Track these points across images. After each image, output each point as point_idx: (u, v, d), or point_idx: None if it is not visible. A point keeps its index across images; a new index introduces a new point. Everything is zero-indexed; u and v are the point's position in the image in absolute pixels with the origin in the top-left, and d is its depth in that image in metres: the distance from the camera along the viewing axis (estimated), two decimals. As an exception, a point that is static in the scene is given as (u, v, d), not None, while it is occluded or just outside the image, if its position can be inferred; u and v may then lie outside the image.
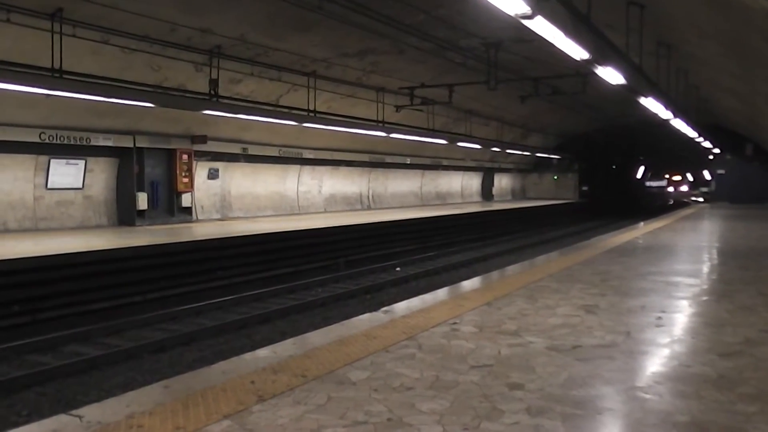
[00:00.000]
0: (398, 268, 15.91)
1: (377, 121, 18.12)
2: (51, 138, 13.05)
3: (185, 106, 13.16)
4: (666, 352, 4.46)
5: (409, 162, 25.45)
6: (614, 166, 45.03)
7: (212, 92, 13.28)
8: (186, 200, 16.37)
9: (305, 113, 15.43)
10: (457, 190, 31.47)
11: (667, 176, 60.19)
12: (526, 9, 5.53)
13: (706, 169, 45.44)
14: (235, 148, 17.41)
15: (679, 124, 18.82)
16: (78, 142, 13.59)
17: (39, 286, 9.86)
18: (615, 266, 8.75)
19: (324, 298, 11.92)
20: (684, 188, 58.45)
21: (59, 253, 10.17)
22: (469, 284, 7.53)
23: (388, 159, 23.94)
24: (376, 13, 11.66)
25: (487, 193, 33.89)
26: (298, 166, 20.36)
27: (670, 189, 60.44)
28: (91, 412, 3.27)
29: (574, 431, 3.04)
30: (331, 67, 15.62)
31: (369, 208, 24.33)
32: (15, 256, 9.53)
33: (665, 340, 4.76)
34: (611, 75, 9.51)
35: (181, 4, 11.12)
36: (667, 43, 13.66)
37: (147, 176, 15.33)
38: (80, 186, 14.47)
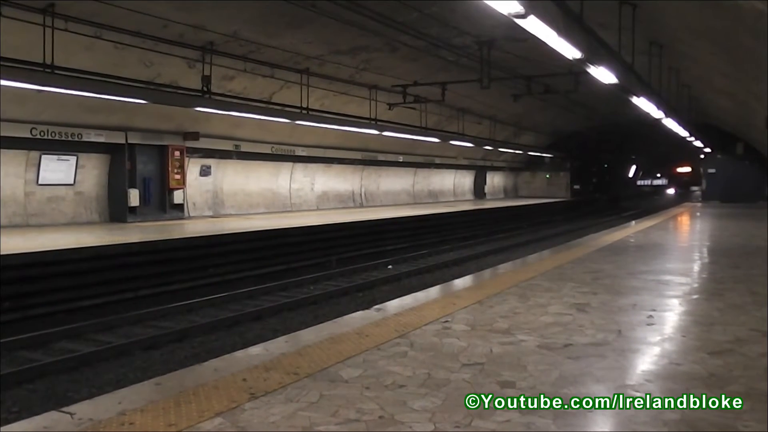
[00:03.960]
0: (390, 266, 15.91)
1: (370, 119, 18.10)
2: (42, 134, 13.01)
3: (178, 102, 13.11)
4: (657, 350, 4.48)
5: (401, 160, 25.45)
6: (606, 165, 45.18)
7: (205, 89, 13.24)
8: (178, 197, 16.33)
9: (298, 110, 15.41)
10: (449, 188, 31.51)
11: (657, 173, 54.02)
12: (520, 8, 5.55)
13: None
14: (228, 145, 17.38)
15: (671, 124, 18.92)
16: (70, 138, 13.54)
17: (29, 282, 9.81)
18: (607, 265, 8.78)
19: (316, 296, 11.90)
20: (695, 188, 41.95)
21: (50, 249, 10.12)
22: (461, 282, 7.54)
23: (381, 157, 23.94)
24: (369, 10, 11.64)
25: (479, 191, 33.95)
26: (291, 164, 20.34)
27: (670, 191, 48.20)
28: (83, 409, 3.26)
29: (566, 429, 3.06)
30: (324, 65, 15.61)
31: (361, 205, 24.32)
32: (5, 252, 9.48)
33: (656, 338, 4.79)
34: (603, 74, 9.54)
35: (174, 0, 11.08)
36: (659, 43, 13.73)
37: (139, 173, 15.28)
38: (71, 182, 14.42)
